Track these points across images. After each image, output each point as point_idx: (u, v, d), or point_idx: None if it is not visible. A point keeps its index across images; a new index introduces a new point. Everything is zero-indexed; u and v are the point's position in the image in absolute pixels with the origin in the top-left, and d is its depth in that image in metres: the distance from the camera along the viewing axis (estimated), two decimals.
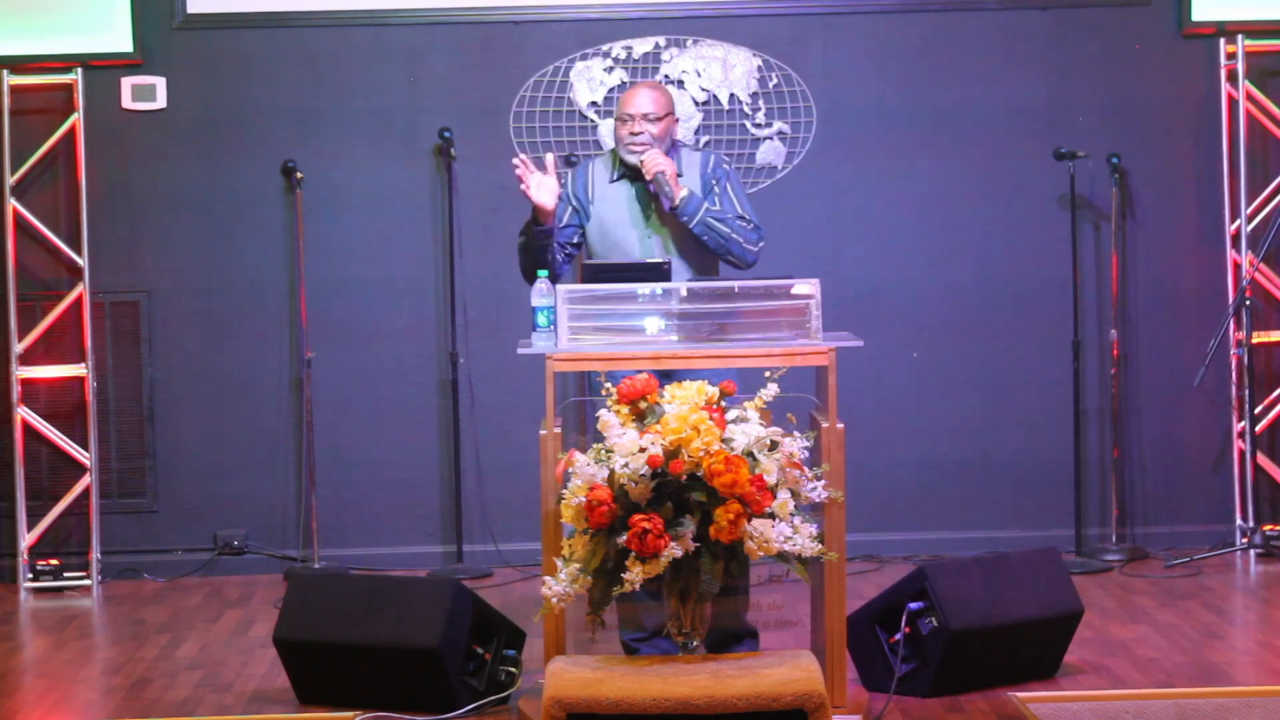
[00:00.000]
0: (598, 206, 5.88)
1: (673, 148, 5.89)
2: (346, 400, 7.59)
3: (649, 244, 5.82)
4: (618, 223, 5.86)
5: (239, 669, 6.05)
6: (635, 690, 4.78)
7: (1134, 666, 5.81)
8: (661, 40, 7.58)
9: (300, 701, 5.60)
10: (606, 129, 7.54)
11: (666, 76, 7.55)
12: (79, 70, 7.43)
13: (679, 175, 5.81)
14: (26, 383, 7.47)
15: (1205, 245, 7.64)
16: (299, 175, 7.47)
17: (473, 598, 5.52)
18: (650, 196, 5.83)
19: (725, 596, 5.32)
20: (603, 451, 5.04)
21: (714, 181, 5.84)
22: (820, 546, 5.06)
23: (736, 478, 4.92)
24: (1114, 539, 7.54)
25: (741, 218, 5.80)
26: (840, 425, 5.29)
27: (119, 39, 7.47)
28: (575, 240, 5.91)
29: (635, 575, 4.92)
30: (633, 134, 5.81)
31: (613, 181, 5.89)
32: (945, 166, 7.61)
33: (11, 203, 7.45)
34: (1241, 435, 7.52)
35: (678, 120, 5.97)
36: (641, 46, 7.58)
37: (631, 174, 5.85)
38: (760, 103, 7.58)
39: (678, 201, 5.75)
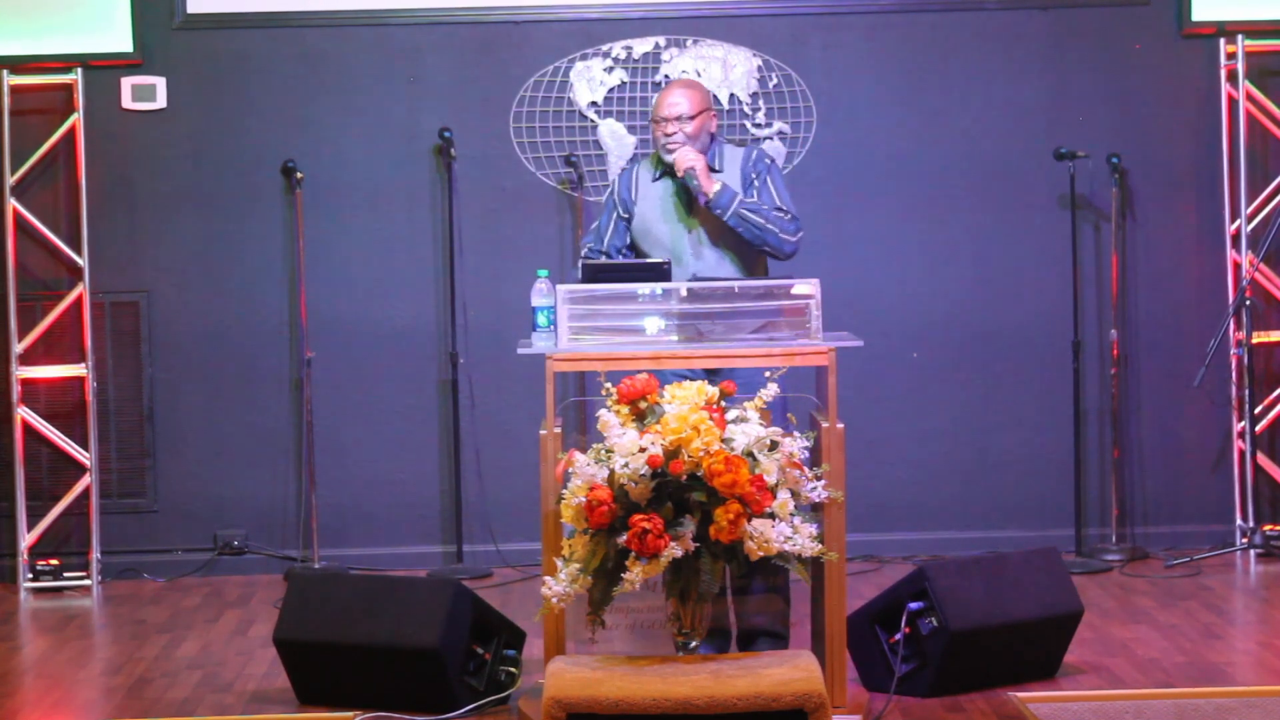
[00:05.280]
0: (640, 205, 5.94)
1: (713, 143, 5.93)
2: (346, 400, 7.59)
3: (684, 239, 5.87)
4: (656, 219, 5.91)
5: (239, 669, 6.05)
6: (635, 690, 4.78)
7: (1134, 666, 5.81)
8: (661, 40, 7.58)
9: (300, 701, 5.60)
10: (607, 129, 7.55)
11: (667, 76, 7.55)
12: (79, 70, 7.43)
13: (717, 170, 5.87)
14: (26, 383, 7.47)
15: (1205, 245, 7.64)
16: (299, 175, 7.47)
17: (473, 598, 5.52)
18: (687, 192, 5.86)
19: (771, 594, 5.45)
20: (603, 451, 5.04)
21: (754, 175, 5.88)
22: (820, 546, 5.06)
23: (736, 478, 4.92)
24: (1114, 539, 7.54)
25: (779, 209, 5.82)
26: (840, 425, 5.29)
27: (119, 39, 7.47)
28: (628, 242, 5.98)
29: (635, 575, 4.92)
30: (667, 135, 5.87)
31: (654, 180, 5.93)
32: (945, 166, 7.61)
33: (11, 203, 7.45)
34: (1241, 435, 7.52)
35: (715, 115, 6.00)
36: (641, 46, 7.58)
37: (671, 172, 5.90)
38: (760, 103, 7.58)
39: (711, 195, 5.79)
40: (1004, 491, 7.65)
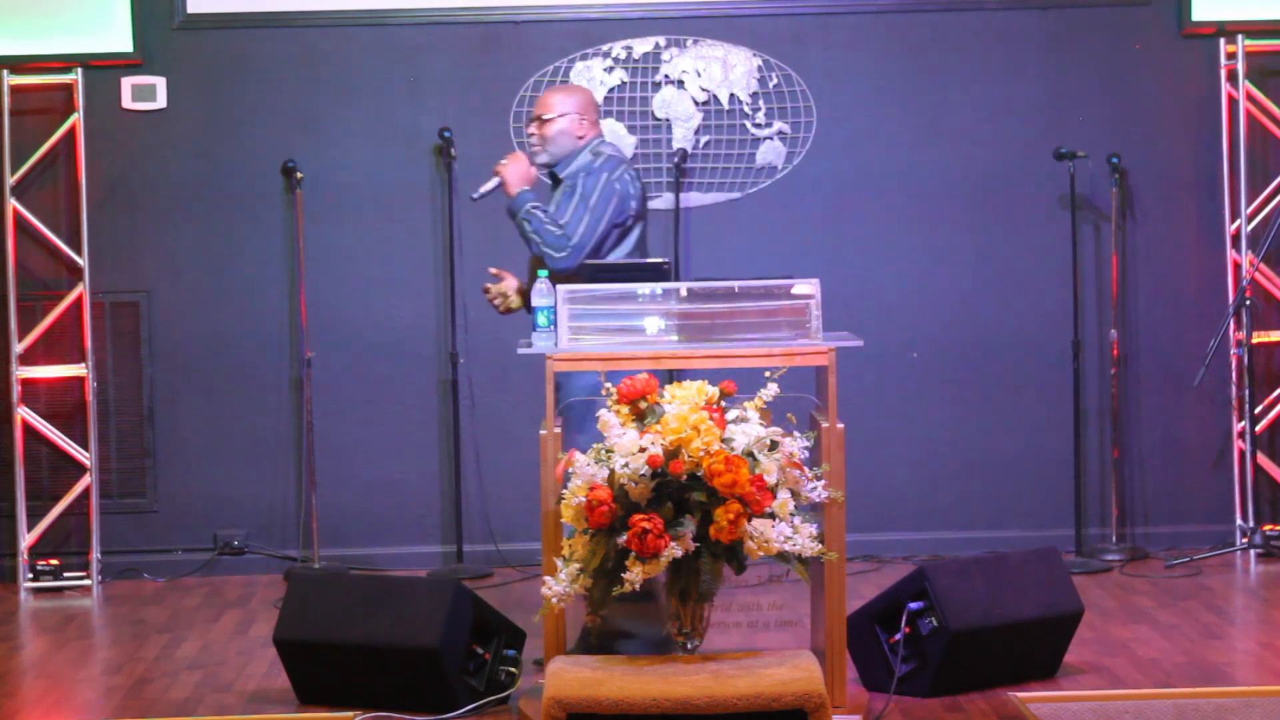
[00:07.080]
0: None
1: (582, 144, 6.00)
2: (346, 400, 7.59)
3: None
4: None
5: (239, 669, 6.05)
6: (635, 690, 4.78)
7: (1134, 666, 5.81)
8: (661, 40, 7.58)
9: (300, 701, 5.60)
10: (606, 129, 7.54)
11: (667, 76, 7.55)
12: (79, 70, 7.43)
13: (558, 179, 5.99)
14: (26, 383, 7.47)
15: (1205, 245, 7.64)
16: (299, 175, 7.47)
17: (473, 598, 5.52)
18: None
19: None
20: (603, 451, 5.04)
21: (568, 184, 5.95)
22: (820, 546, 5.06)
23: (736, 478, 4.92)
24: (1114, 539, 7.54)
25: (555, 223, 5.85)
26: (840, 425, 5.29)
27: (119, 39, 7.47)
28: None
29: (635, 575, 4.92)
30: (528, 135, 6.11)
31: None
32: (945, 166, 7.61)
33: (11, 203, 7.45)
34: (1241, 435, 7.52)
35: (584, 119, 6.02)
36: (641, 46, 7.58)
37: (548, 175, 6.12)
38: (760, 103, 7.58)
39: (509, 200, 5.98)
40: (1004, 491, 7.65)
